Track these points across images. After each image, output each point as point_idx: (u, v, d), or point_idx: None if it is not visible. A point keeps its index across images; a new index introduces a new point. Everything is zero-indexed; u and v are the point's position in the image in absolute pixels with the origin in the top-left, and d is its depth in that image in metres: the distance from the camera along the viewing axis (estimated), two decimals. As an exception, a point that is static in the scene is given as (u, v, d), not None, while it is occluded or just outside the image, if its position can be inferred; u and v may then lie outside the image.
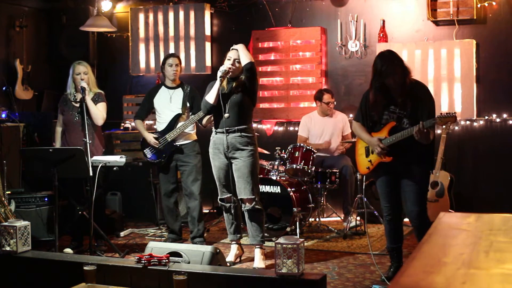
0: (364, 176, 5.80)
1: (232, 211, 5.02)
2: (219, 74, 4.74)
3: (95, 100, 5.43)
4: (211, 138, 4.99)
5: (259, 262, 4.85)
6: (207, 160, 5.76)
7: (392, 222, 4.51)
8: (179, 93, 5.63)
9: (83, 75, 5.38)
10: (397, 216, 4.51)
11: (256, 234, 4.88)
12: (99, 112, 5.38)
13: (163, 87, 5.70)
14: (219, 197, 5.05)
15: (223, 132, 4.82)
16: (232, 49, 4.85)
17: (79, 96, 5.38)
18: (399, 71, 4.26)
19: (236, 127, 4.80)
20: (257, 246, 4.91)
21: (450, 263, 1.84)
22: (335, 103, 6.57)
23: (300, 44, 7.14)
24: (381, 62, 4.30)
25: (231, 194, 4.97)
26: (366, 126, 4.49)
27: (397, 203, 4.49)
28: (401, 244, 4.57)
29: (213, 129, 4.97)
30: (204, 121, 5.52)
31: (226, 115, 4.79)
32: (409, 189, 4.37)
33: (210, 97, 4.81)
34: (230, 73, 4.78)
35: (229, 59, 4.80)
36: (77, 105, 5.38)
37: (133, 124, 7.66)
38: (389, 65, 4.26)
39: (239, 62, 4.79)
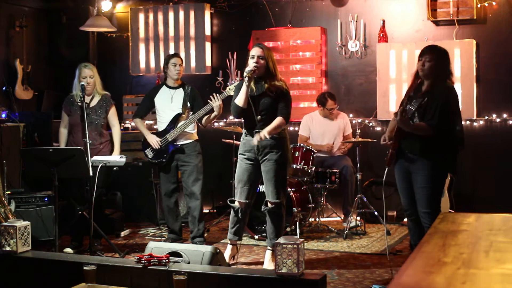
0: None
1: (239, 215, 4.93)
2: (245, 75, 4.61)
3: (103, 104, 5.48)
4: (241, 140, 4.90)
5: (268, 263, 4.83)
6: (207, 160, 5.77)
7: (412, 217, 4.41)
8: (180, 93, 5.63)
9: (89, 79, 5.41)
10: (412, 210, 4.39)
11: (272, 237, 4.83)
12: (119, 132, 5.61)
13: (164, 86, 5.70)
14: (232, 198, 4.98)
15: (253, 135, 4.68)
16: (254, 46, 4.75)
17: (86, 98, 5.42)
18: (433, 60, 4.21)
19: None
20: (269, 248, 4.89)
21: (450, 263, 1.84)
22: (337, 107, 6.55)
23: (300, 44, 7.14)
24: (427, 46, 4.33)
25: (247, 201, 4.89)
26: None
27: (410, 197, 4.38)
28: None
29: (243, 131, 4.88)
30: (203, 120, 5.51)
31: (258, 117, 4.68)
32: (417, 189, 4.29)
33: (239, 100, 4.67)
34: (256, 72, 4.65)
35: (252, 57, 4.66)
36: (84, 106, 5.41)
37: (133, 124, 7.67)
38: (431, 50, 4.27)
39: (263, 59, 4.65)
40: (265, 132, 4.59)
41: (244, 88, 4.64)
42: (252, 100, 4.64)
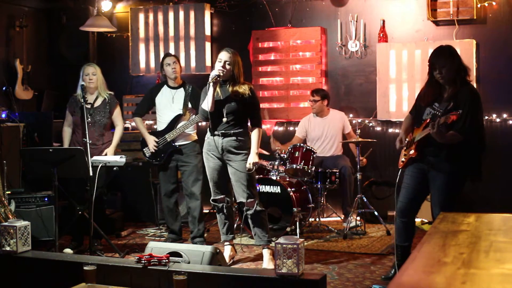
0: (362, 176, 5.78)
1: (225, 211, 5.02)
2: (209, 80, 4.70)
3: (107, 104, 5.50)
4: (205, 139, 4.98)
5: (268, 263, 4.85)
6: None
7: (400, 217, 4.38)
8: (181, 93, 5.63)
9: (91, 75, 5.44)
10: (406, 212, 4.36)
11: (262, 235, 4.88)
12: (121, 131, 5.62)
13: (165, 86, 5.69)
14: (212, 198, 5.04)
15: (218, 135, 4.82)
16: (223, 50, 4.81)
17: (90, 97, 5.44)
18: (447, 65, 4.13)
19: (232, 131, 4.81)
20: (265, 247, 4.90)
21: (450, 263, 1.84)
22: (320, 102, 6.46)
23: (300, 44, 7.14)
24: (433, 53, 4.25)
25: (224, 195, 4.99)
26: (415, 120, 4.39)
27: (414, 201, 4.36)
28: (409, 244, 4.41)
29: (208, 131, 4.95)
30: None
31: (225, 119, 4.78)
32: (434, 191, 4.25)
33: (206, 104, 4.77)
34: (221, 77, 4.74)
35: (219, 61, 4.76)
36: (88, 106, 5.42)
37: (133, 124, 7.67)
38: (437, 56, 4.19)
39: (229, 64, 4.75)
40: (254, 157, 4.80)
41: (210, 93, 4.73)
42: (219, 104, 4.77)
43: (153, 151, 5.56)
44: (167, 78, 5.67)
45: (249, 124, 4.96)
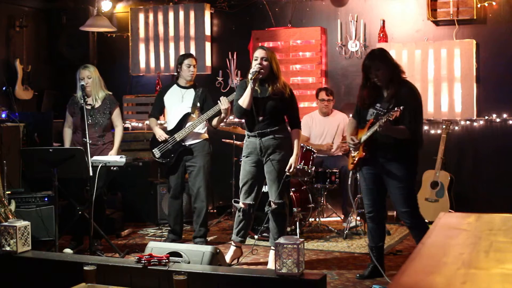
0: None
1: (243, 215, 4.93)
2: (250, 76, 4.63)
3: (107, 105, 5.51)
4: (244, 141, 4.91)
5: (272, 264, 4.82)
6: (215, 161, 5.68)
7: (372, 219, 4.47)
8: (191, 93, 5.58)
9: (86, 79, 5.44)
10: (378, 214, 4.47)
11: (276, 237, 4.82)
12: (121, 132, 5.61)
13: (175, 85, 5.65)
14: (236, 199, 4.96)
15: (255, 136, 4.76)
16: (258, 48, 4.76)
17: (89, 98, 5.46)
18: (382, 67, 4.26)
19: (268, 129, 4.73)
20: (272, 248, 4.87)
21: (450, 263, 1.84)
22: (332, 101, 6.54)
23: (300, 44, 7.14)
24: (366, 57, 4.37)
25: (252, 202, 4.88)
26: (359, 122, 4.50)
27: (378, 200, 4.46)
28: (383, 244, 4.54)
29: (246, 133, 4.88)
30: (214, 121, 5.46)
31: (260, 118, 4.70)
32: (394, 191, 4.34)
33: (244, 101, 4.68)
34: (261, 73, 4.66)
35: (255, 59, 4.69)
36: (89, 107, 5.42)
37: (133, 124, 7.69)
38: (371, 60, 4.29)
39: (266, 60, 4.68)
40: (294, 160, 4.72)
41: (249, 90, 4.65)
42: (256, 102, 4.68)
43: (163, 139, 5.49)
44: (181, 77, 5.61)
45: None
